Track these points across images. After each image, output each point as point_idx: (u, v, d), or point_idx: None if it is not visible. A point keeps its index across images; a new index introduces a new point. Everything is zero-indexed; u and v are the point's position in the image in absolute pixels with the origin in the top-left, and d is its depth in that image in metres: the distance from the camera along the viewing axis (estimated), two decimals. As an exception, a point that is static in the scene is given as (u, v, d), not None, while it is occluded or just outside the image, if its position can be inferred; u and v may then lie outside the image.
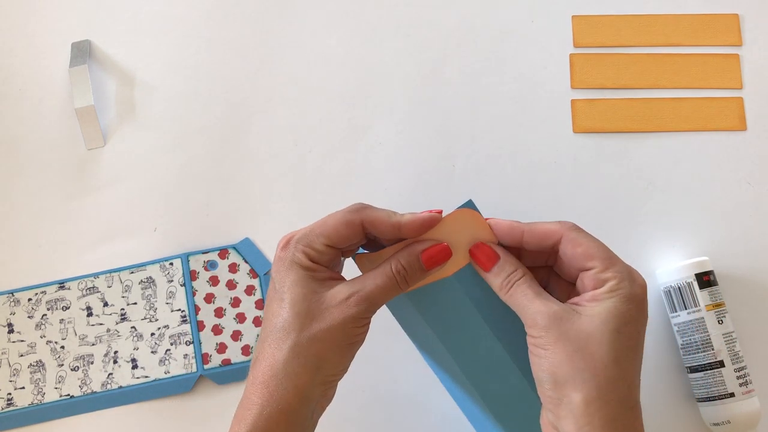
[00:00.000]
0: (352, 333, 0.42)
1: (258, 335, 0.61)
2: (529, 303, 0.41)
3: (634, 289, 0.40)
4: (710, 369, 0.57)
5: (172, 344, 0.61)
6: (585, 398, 0.38)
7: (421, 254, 0.43)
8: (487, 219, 0.45)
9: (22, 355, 0.61)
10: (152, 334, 0.61)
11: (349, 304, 0.42)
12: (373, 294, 0.42)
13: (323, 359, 0.42)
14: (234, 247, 0.63)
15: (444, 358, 0.47)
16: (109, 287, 0.62)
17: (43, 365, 0.61)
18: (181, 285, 0.62)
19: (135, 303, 0.62)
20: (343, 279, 0.44)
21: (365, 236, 0.44)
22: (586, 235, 0.42)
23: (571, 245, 0.42)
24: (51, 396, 0.60)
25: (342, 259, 0.47)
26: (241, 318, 0.61)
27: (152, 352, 0.61)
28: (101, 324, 0.61)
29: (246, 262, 0.62)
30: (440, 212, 0.44)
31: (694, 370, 0.58)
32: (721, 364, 0.56)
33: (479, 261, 0.44)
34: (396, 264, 0.43)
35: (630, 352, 0.39)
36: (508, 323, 0.45)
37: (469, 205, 0.45)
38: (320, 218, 0.44)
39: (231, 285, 0.62)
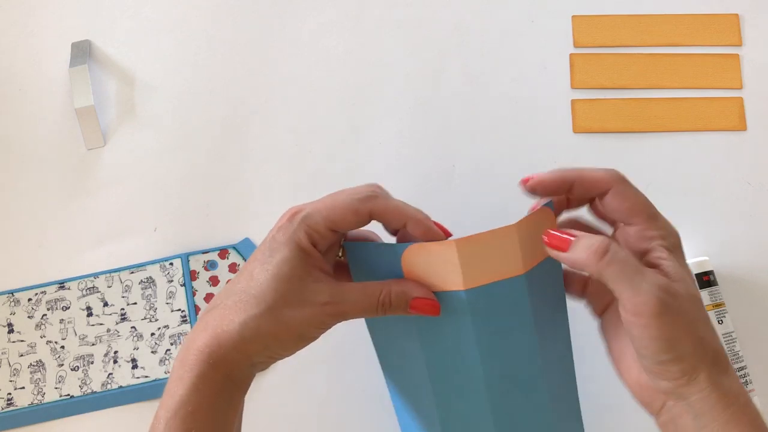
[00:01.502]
0: (313, 333, 0.42)
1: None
2: (631, 279, 0.40)
3: (678, 241, 0.42)
4: (710, 369, 0.57)
5: (172, 344, 0.61)
6: (710, 368, 0.40)
7: (410, 300, 0.43)
8: (531, 177, 0.44)
9: (22, 355, 0.61)
10: (152, 334, 0.61)
11: (324, 311, 0.41)
12: (351, 311, 0.42)
13: (278, 341, 0.42)
14: (234, 247, 0.63)
15: (416, 379, 0.46)
16: (109, 287, 0.62)
17: (43, 365, 0.61)
18: (181, 285, 0.62)
19: (135, 303, 0.62)
20: (330, 274, 0.43)
21: (370, 221, 0.44)
22: (633, 189, 0.43)
23: (619, 199, 0.42)
24: (51, 396, 0.60)
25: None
26: (241, 318, 0.61)
27: (152, 352, 0.61)
28: (101, 324, 0.61)
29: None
30: (449, 235, 0.44)
31: (694, 370, 0.57)
32: (721, 364, 0.56)
33: (555, 246, 0.42)
34: (385, 296, 0.42)
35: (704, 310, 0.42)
36: (506, 370, 0.45)
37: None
38: (329, 195, 0.43)
39: (231, 285, 0.62)
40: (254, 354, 0.42)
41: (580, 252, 0.41)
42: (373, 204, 0.43)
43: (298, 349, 0.43)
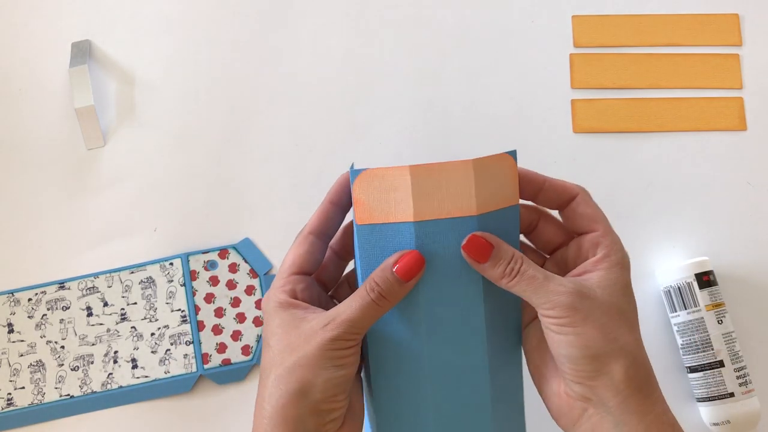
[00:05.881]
0: (335, 355, 0.41)
1: (258, 335, 0.61)
2: (540, 288, 0.41)
3: (625, 258, 0.44)
4: (710, 369, 0.57)
5: (172, 344, 0.61)
6: (625, 368, 0.40)
7: (393, 267, 0.41)
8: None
9: (22, 355, 0.61)
10: (152, 334, 0.61)
11: (326, 329, 0.41)
12: (352, 318, 0.41)
13: (307, 384, 0.41)
14: (234, 247, 0.63)
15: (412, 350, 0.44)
16: (109, 287, 0.62)
17: (43, 365, 0.61)
18: (181, 285, 0.62)
19: (135, 303, 0.62)
20: (322, 311, 0.43)
21: (324, 245, 0.45)
22: (595, 202, 0.45)
23: (584, 205, 0.44)
24: (51, 396, 0.60)
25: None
26: (241, 318, 0.61)
27: (152, 352, 0.61)
28: (101, 324, 0.61)
29: (246, 262, 0.62)
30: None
31: (693, 370, 0.58)
32: (721, 364, 0.56)
33: (473, 255, 0.42)
34: (369, 283, 0.42)
35: (636, 314, 0.43)
36: (446, 315, 0.43)
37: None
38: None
39: (231, 285, 0.62)
40: (297, 418, 0.41)
41: (497, 270, 0.42)
42: (306, 225, 0.45)
43: (337, 386, 0.41)
